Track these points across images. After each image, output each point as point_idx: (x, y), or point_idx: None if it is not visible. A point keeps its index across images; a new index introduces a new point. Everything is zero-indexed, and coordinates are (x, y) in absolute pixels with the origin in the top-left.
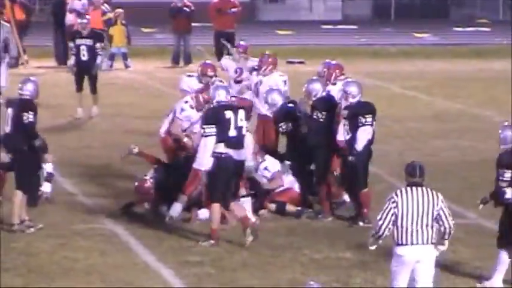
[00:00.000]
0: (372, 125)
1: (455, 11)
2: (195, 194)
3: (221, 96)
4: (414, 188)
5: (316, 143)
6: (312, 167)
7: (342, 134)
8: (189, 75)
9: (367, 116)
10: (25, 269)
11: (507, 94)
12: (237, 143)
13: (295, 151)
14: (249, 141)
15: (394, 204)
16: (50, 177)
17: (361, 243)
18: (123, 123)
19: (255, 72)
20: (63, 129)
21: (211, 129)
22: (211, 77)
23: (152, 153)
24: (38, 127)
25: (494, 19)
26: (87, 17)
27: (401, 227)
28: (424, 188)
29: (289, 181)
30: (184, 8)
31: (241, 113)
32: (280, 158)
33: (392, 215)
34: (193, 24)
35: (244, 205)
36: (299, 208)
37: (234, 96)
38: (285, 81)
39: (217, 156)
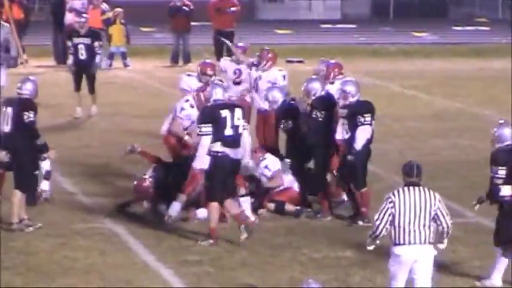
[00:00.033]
0: (371, 124)
1: (455, 10)
2: (194, 194)
3: (218, 94)
4: (411, 188)
5: (315, 142)
6: (311, 165)
7: (340, 133)
8: (189, 75)
9: (366, 115)
10: (24, 268)
11: (506, 93)
12: (233, 141)
13: (294, 149)
14: (246, 139)
15: (391, 204)
16: (48, 176)
17: (360, 242)
18: (122, 122)
19: (254, 68)
20: (62, 129)
21: (207, 128)
22: (210, 75)
23: (151, 153)
24: (37, 126)
25: (493, 18)
26: (85, 15)
27: (399, 226)
28: (421, 188)
29: (289, 180)
30: (184, 7)
31: (238, 112)
32: (280, 156)
33: (389, 215)
34: (192, 23)
35: (244, 204)
36: (298, 207)
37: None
38: (284, 76)
39: (214, 155)
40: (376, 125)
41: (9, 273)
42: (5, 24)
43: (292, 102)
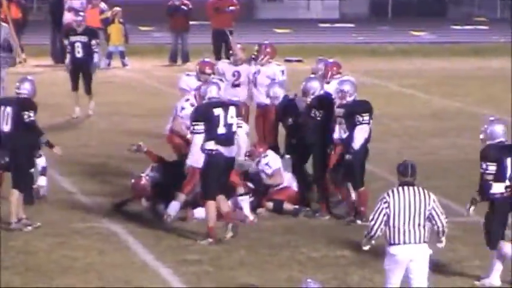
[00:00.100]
0: (368, 123)
1: (453, 9)
2: (193, 193)
3: (212, 92)
4: (406, 188)
5: (313, 141)
6: (308, 163)
7: (337, 132)
8: (188, 74)
9: (364, 114)
10: (23, 267)
11: (505, 92)
12: (226, 140)
13: (293, 147)
14: (242, 137)
15: (386, 205)
16: (44, 171)
17: (359, 241)
18: (121, 121)
19: (253, 62)
20: (60, 128)
21: (199, 127)
22: (209, 74)
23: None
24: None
25: (492, 17)
26: (82, 14)
27: (394, 226)
28: (415, 188)
29: (287, 179)
30: (182, 7)
31: (232, 110)
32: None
33: (384, 215)
34: (191, 22)
35: (243, 203)
36: (296, 206)
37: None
38: (282, 71)
39: (208, 154)
40: (375, 124)
41: (9, 272)
42: (5, 24)
43: (293, 98)
